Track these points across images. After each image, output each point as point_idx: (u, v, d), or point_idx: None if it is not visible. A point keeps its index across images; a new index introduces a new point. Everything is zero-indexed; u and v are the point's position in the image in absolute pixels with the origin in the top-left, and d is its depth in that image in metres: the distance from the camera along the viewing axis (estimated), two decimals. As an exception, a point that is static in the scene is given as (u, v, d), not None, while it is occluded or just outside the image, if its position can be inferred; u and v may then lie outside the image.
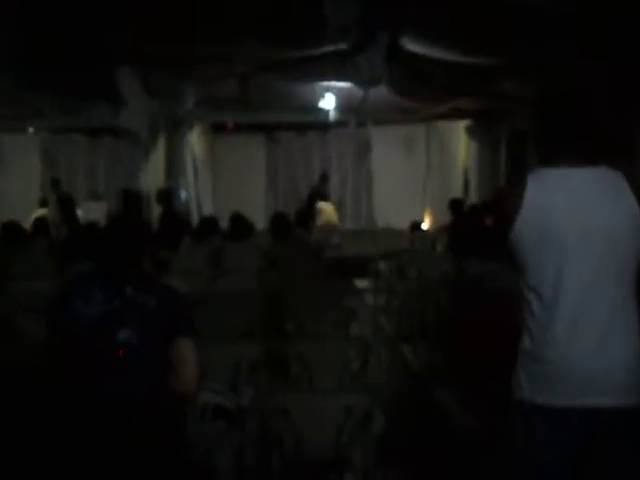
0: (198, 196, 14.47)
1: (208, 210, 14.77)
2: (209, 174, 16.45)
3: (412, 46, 7.62)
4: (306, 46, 7.99)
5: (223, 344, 4.94)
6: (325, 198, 15.60)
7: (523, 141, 13.48)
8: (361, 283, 11.99)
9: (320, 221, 14.90)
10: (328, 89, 11.15)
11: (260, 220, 13.12)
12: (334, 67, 8.83)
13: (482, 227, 8.94)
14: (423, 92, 10.17)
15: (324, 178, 16.18)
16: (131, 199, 11.23)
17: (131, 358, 2.94)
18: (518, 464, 2.68)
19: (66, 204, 13.97)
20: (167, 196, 11.37)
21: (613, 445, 2.58)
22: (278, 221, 8.79)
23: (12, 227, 9.60)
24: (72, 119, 12.47)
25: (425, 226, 14.80)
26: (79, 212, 14.10)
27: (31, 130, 15.76)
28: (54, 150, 16.80)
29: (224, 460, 3.72)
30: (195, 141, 14.99)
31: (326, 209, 15.30)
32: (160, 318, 3.01)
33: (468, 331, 5.87)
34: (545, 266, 2.63)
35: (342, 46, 8.08)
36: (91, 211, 13.72)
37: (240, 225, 9.03)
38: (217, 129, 16.72)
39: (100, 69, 9.15)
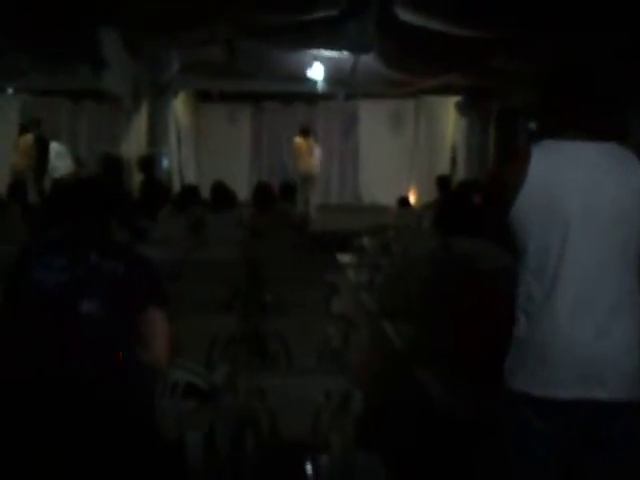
0: (181, 164, 14.20)
1: (191, 179, 14.52)
2: (193, 142, 16.16)
3: (405, 15, 7.37)
4: (295, 11, 7.72)
5: (200, 317, 4.75)
6: (306, 133, 15.07)
7: (513, 119, 13.33)
8: (344, 258, 11.82)
9: (296, 164, 14.83)
10: (316, 58, 10.86)
11: (244, 191, 12.93)
12: (323, 34, 8.56)
13: (470, 205, 8.78)
14: (414, 65, 9.92)
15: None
16: (111, 165, 10.93)
17: (96, 330, 2.72)
18: (509, 457, 2.50)
19: (41, 146, 13.73)
20: (148, 163, 11.11)
21: (612, 440, 2.40)
22: (261, 192, 8.60)
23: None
24: (53, 80, 12.14)
25: (412, 202, 14.60)
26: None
27: (10, 91, 15.31)
28: (34, 113, 16.31)
29: (194, 440, 3.52)
30: (179, 108, 14.69)
31: (302, 148, 14.90)
32: (128, 286, 2.78)
33: (454, 311, 5.73)
34: (547, 246, 2.42)
35: (332, 12, 7.80)
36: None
37: (222, 195, 8.84)
38: (202, 97, 16.40)
39: (82, 29, 8.85)
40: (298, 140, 15.00)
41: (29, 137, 14.26)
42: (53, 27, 8.67)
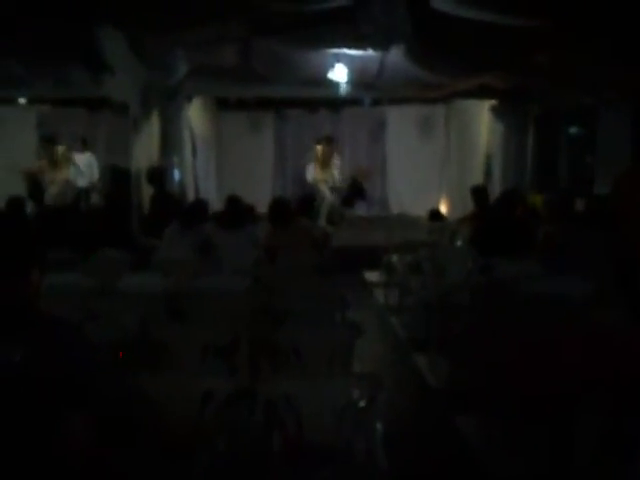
0: (196, 176, 13.34)
1: (211, 192, 13.74)
2: (213, 153, 15.34)
3: (438, 3, 6.42)
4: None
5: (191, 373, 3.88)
6: (329, 141, 14.75)
7: (555, 123, 12.36)
8: (372, 276, 10.95)
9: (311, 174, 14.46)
10: (339, 59, 9.96)
11: (266, 204, 12.08)
12: (344, 27, 7.64)
13: (513, 220, 7.85)
14: (447, 63, 8.97)
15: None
16: (118, 178, 10.12)
17: None
18: None
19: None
20: (158, 176, 10.25)
21: None
22: (277, 207, 7.72)
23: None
24: (62, 89, 11.34)
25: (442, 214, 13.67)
26: None
27: (22, 101, 14.59)
28: (52, 124, 15.64)
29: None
30: (196, 116, 13.85)
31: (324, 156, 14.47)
32: (27, 383, 1.79)
33: (497, 344, 4.86)
34: None
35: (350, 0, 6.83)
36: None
37: (235, 210, 7.98)
38: (222, 104, 15.55)
39: (79, 30, 8.02)
40: (319, 148, 14.59)
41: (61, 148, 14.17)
42: (47, 29, 7.86)
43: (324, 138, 14.82)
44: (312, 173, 14.70)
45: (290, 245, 7.62)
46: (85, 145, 14.74)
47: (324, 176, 14.56)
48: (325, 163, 14.61)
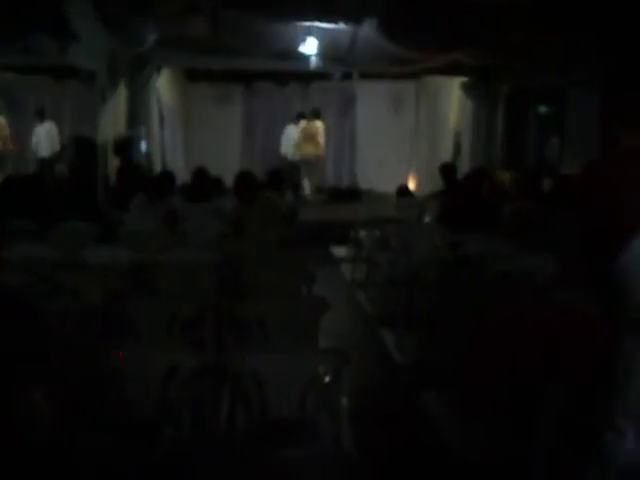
0: (163, 148, 13.18)
1: (178, 165, 13.59)
2: (181, 124, 15.19)
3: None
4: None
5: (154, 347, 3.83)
6: (317, 114, 14.89)
7: (524, 102, 12.38)
8: (339, 251, 10.98)
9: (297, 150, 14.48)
10: (310, 32, 9.86)
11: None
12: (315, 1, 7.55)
13: (480, 198, 7.87)
14: (418, 39, 8.91)
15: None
16: (83, 149, 9.94)
17: None
18: None
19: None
20: (124, 147, 10.08)
21: None
22: (242, 181, 7.61)
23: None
24: (27, 56, 11.07)
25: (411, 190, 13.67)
26: None
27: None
28: (17, 93, 15.35)
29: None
30: (164, 87, 13.68)
31: (310, 130, 14.55)
32: None
33: (464, 322, 4.86)
34: None
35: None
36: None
37: (202, 183, 7.92)
38: (190, 75, 15.38)
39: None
40: (304, 122, 14.80)
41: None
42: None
43: (311, 112, 14.92)
44: (293, 147, 14.76)
45: (256, 219, 7.56)
46: (42, 117, 14.44)
47: (312, 150, 14.54)
48: (312, 137, 14.63)
